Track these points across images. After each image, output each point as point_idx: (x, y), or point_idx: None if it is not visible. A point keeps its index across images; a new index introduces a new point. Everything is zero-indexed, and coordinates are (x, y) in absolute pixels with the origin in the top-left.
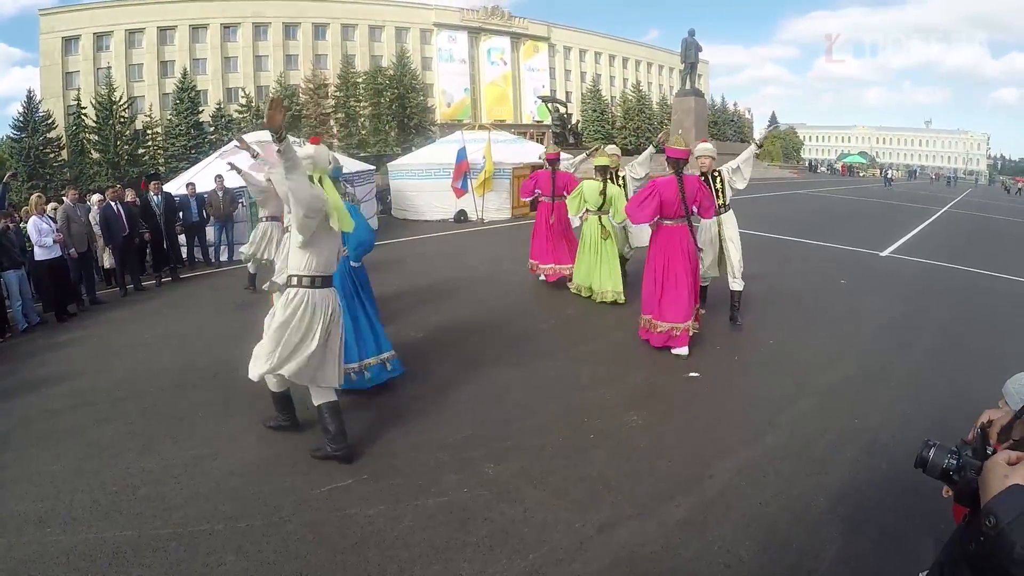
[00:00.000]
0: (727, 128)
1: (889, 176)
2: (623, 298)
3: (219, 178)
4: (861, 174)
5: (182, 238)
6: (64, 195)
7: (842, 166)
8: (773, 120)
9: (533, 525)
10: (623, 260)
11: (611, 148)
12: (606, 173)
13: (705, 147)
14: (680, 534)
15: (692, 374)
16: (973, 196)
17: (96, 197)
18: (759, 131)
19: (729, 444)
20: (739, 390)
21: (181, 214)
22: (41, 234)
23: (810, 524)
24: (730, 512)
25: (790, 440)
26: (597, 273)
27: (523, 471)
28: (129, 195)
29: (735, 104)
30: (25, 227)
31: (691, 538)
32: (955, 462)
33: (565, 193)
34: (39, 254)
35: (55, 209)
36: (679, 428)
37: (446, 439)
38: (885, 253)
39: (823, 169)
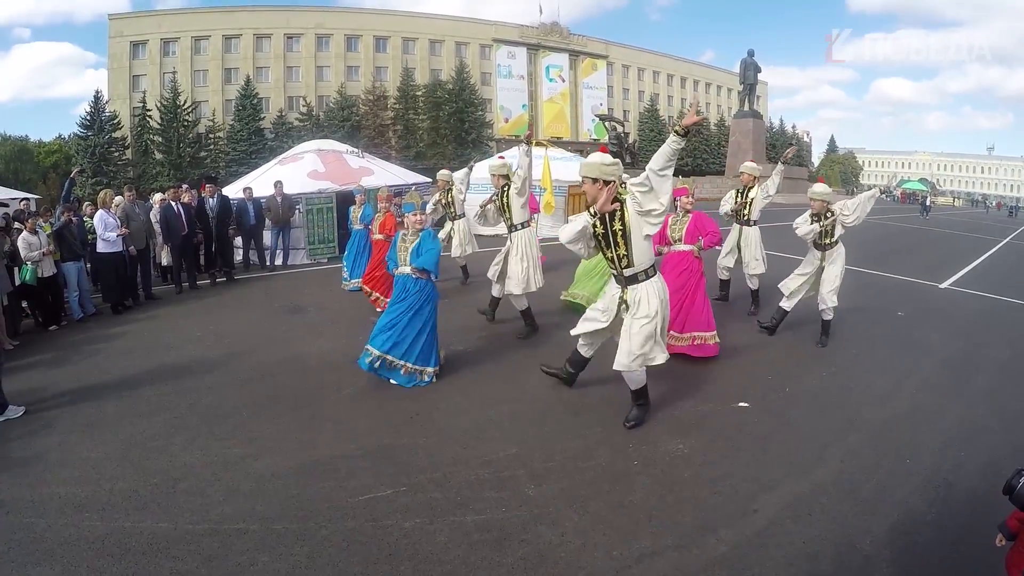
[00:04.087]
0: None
1: (928, 204)
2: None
3: (278, 184)
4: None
5: (238, 241)
6: (122, 193)
7: (901, 192)
8: (832, 144)
9: (570, 550)
10: None
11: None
12: None
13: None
14: (720, 570)
15: (741, 404)
16: None
17: (158, 196)
18: (817, 155)
19: (775, 478)
20: (788, 422)
21: (238, 218)
22: (107, 228)
23: (855, 567)
24: (773, 550)
25: (839, 477)
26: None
27: (564, 493)
28: (186, 196)
29: (793, 126)
30: (89, 221)
31: (731, 575)
32: None
33: None
34: (101, 247)
35: (118, 206)
36: (725, 459)
37: (488, 456)
38: (944, 285)
39: (882, 195)
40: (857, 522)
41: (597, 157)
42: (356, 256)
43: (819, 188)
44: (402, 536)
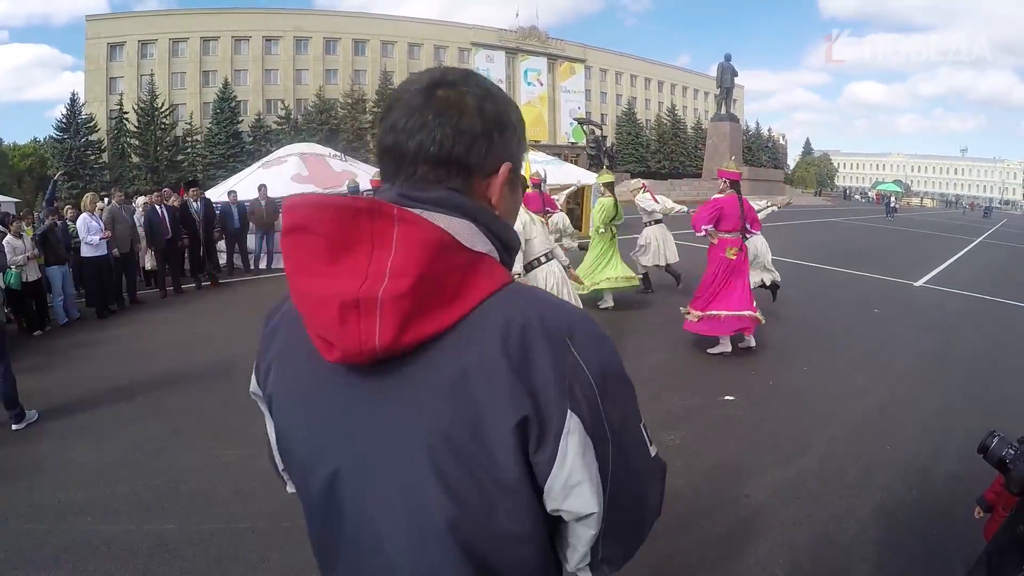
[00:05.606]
0: (762, 154)
1: (892, 205)
2: (636, 280)
3: (262, 187)
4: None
5: (222, 244)
6: (109, 196)
7: (876, 194)
8: (807, 147)
9: None
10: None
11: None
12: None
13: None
14: (717, 549)
15: (727, 397)
16: (1009, 227)
17: (141, 200)
18: (793, 158)
19: (764, 465)
20: (773, 414)
21: (222, 221)
22: (90, 232)
23: (842, 545)
24: (765, 531)
25: (823, 464)
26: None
27: None
28: (174, 200)
29: (769, 129)
30: (72, 225)
31: (728, 553)
32: (1012, 452)
33: None
34: (85, 251)
35: (101, 210)
36: (715, 449)
37: None
38: (919, 283)
39: (857, 197)
40: (843, 504)
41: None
42: None
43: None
44: None
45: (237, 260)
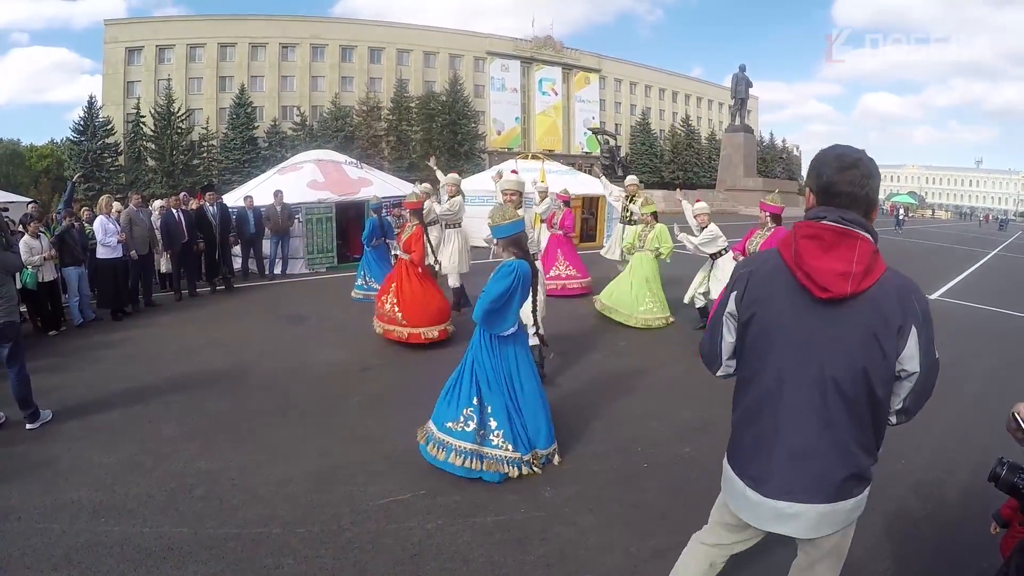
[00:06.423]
0: (775, 165)
1: (901, 217)
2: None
3: (278, 193)
4: (909, 215)
5: (237, 249)
6: (128, 199)
7: (890, 206)
8: None
9: (589, 547)
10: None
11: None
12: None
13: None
14: (731, 561)
15: None
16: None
17: (158, 203)
18: (807, 169)
19: None
20: None
21: (238, 226)
22: (107, 234)
23: (856, 559)
24: (780, 543)
25: None
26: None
27: (579, 495)
28: (193, 203)
29: (783, 141)
30: (89, 227)
31: (742, 566)
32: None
33: None
34: (101, 253)
35: (119, 212)
36: None
37: None
38: (934, 296)
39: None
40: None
41: (516, 177)
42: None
43: (701, 205)
44: (425, 537)
45: (252, 265)
